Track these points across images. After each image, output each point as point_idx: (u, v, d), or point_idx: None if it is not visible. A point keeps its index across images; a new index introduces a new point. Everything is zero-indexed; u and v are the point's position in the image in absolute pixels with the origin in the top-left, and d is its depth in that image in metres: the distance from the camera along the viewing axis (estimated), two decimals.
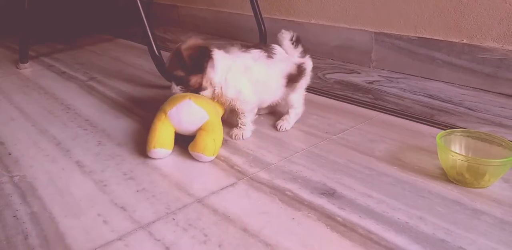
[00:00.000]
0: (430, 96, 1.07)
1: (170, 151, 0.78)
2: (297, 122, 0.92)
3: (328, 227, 0.57)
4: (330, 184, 0.68)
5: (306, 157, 0.77)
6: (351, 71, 1.31)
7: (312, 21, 1.49)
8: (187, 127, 0.79)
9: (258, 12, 1.50)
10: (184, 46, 0.81)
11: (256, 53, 0.84)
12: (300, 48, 0.87)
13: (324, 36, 1.46)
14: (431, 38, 1.18)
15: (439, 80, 1.18)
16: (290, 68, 0.86)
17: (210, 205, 0.63)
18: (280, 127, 0.89)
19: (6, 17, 2.30)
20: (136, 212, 0.62)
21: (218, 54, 0.82)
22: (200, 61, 0.80)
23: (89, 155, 0.81)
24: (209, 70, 0.81)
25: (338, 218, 0.59)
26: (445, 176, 0.69)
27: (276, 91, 0.87)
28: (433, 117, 0.94)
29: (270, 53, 0.85)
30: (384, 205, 0.62)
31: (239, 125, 0.86)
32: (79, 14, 2.43)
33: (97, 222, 0.60)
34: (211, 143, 0.76)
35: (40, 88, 1.23)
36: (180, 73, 0.82)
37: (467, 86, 1.12)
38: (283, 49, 0.86)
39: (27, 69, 1.44)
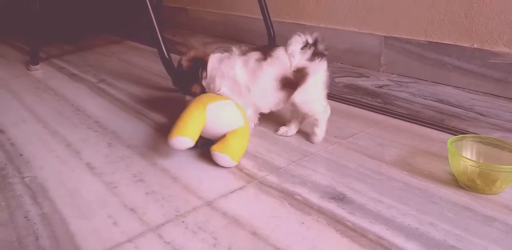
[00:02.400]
0: (440, 101, 1.06)
1: (192, 144, 0.73)
2: (306, 126, 0.92)
3: (338, 232, 0.57)
4: (340, 188, 0.68)
5: (316, 161, 0.77)
6: (360, 75, 1.31)
7: (321, 25, 1.49)
8: (219, 127, 0.77)
9: (267, 15, 1.51)
10: (184, 58, 0.89)
11: (250, 56, 0.83)
12: (309, 52, 0.80)
13: (333, 40, 1.46)
14: (441, 43, 1.17)
15: (449, 85, 1.17)
16: (285, 72, 0.80)
17: (220, 208, 0.63)
18: (312, 138, 0.85)
19: (16, 18, 2.33)
20: (146, 214, 0.62)
21: (210, 63, 0.86)
22: (195, 71, 0.86)
23: (99, 156, 0.81)
24: (203, 77, 0.86)
25: (348, 223, 0.59)
26: (456, 182, 0.69)
27: (270, 94, 0.83)
28: (443, 122, 0.93)
29: (265, 55, 0.82)
30: (395, 210, 0.62)
31: None
32: (88, 16, 2.45)
33: (107, 224, 0.60)
34: (240, 148, 0.75)
35: (50, 90, 1.24)
36: (183, 82, 0.91)
37: (477, 91, 1.12)
38: (287, 52, 0.80)
39: (38, 71, 1.46)
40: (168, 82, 1.24)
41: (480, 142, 0.72)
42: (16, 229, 0.60)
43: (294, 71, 0.81)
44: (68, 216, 0.63)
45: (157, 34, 1.12)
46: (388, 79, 1.26)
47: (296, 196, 0.66)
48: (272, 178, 0.72)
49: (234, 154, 0.74)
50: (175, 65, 0.94)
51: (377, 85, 1.20)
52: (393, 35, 1.28)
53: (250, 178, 0.72)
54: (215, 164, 0.77)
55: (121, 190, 0.69)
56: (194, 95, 0.88)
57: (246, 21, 1.79)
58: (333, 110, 1.01)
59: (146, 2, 1.11)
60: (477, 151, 0.72)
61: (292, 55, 0.79)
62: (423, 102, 1.06)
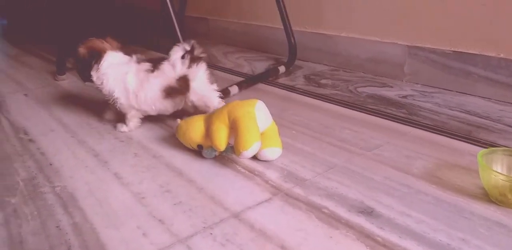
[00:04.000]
0: (467, 112, 1.04)
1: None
2: (330, 136, 0.92)
3: (368, 247, 0.56)
4: (368, 202, 0.67)
5: (341, 173, 0.77)
6: (383, 85, 1.30)
7: (343, 34, 1.49)
8: (263, 126, 0.80)
9: (287, 25, 1.52)
10: (82, 46, 0.98)
11: (143, 66, 0.95)
12: (186, 61, 0.92)
13: (355, 49, 1.45)
14: (467, 52, 1.15)
15: (476, 95, 1.15)
16: (169, 82, 0.92)
17: (247, 220, 0.64)
18: None
19: (43, 30, 2.40)
20: (174, 225, 0.63)
21: (107, 60, 0.96)
22: (88, 60, 0.97)
23: (126, 166, 0.83)
24: (94, 68, 0.96)
25: (378, 238, 0.58)
26: (487, 196, 0.67)
27: (154, 103, 0.95)
28: (470, 134, 0.92)
29: (154, 68, 0.94)
30: (424, 225, 0.61)
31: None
32: (112, 26, 2.50)
33: (136, 234, 0.61)
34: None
35: (77, 99, 1.27)
36: (75, 64, 1.05)
37: (505, 102, 1.09)
38: (170, 64, 0.92)
39: (64, 81, 1.50)
40: None
41: (511, 155, 0.70)
42: (48, 238, 0.61)
43: (177, 79, 0.92)
44: (98, 225, 0.64)
45: (177, 35, 1.14)
46: (412, 89, 1.24)
47: (323, 209, 0.65)
48: (298, 190, 0.71)
49: (281, 144, 0.83)
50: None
51: (401, 95, 1.19)
52: (416, 45, 1.27)
53: (276, 189, 0.72)
54: (240, 174, 0.77)
55: (149, 200, 0.70)
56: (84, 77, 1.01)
57: (267, 31, 1.80)
58: (356, 121, 1.01)
59: (170, 12, 1.14)
60: (508, 165, 0.70)
61: (174, 64, 0.92)
62: (449, 113, 1.04)
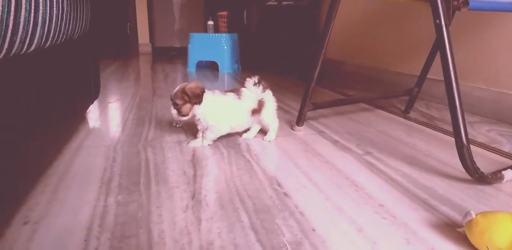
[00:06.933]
0: None
1: None
2: None
3: None
4: None
5: None
6: None
7: None
8: None
9: None
10: (188, 86, 1.25)
11: (230, 95, 1.29)
12: (260, 87, 1.30)
13: None
14: None
15: None
16: (253, 104, 1.30)
17: None
18: (265, 138, 1.39)
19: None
20: None
21: (206, 94, 1.27)
22: (198, 97, 1.24)
23: None
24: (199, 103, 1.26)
25: None
26: None
27: (244, 121, 1.33)
28: None
29: (239, 95, 1.29)
30: None
31: (204, 138, 1.32)
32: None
33: None
34: None
35: (319, 155, 1.26)
36: (179, 102, 1.25)
37: None
38: (249, 90, 1.30)
39: (301, 132, 1.54)
40: (454, 171, 1.09)
41: None
42: None
43: (258, 102, 1.31)
44: None
45: (458, 116, 1.01)
46: None
47: None
48: None
49: None
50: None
51: None
52: None
53: None
54: None
55: None
56: (182, 113, 1.30)
57: None
58: None
59: (452, 84, 1.03)
60: None
61: (250, 90, 1.31)
62: None
